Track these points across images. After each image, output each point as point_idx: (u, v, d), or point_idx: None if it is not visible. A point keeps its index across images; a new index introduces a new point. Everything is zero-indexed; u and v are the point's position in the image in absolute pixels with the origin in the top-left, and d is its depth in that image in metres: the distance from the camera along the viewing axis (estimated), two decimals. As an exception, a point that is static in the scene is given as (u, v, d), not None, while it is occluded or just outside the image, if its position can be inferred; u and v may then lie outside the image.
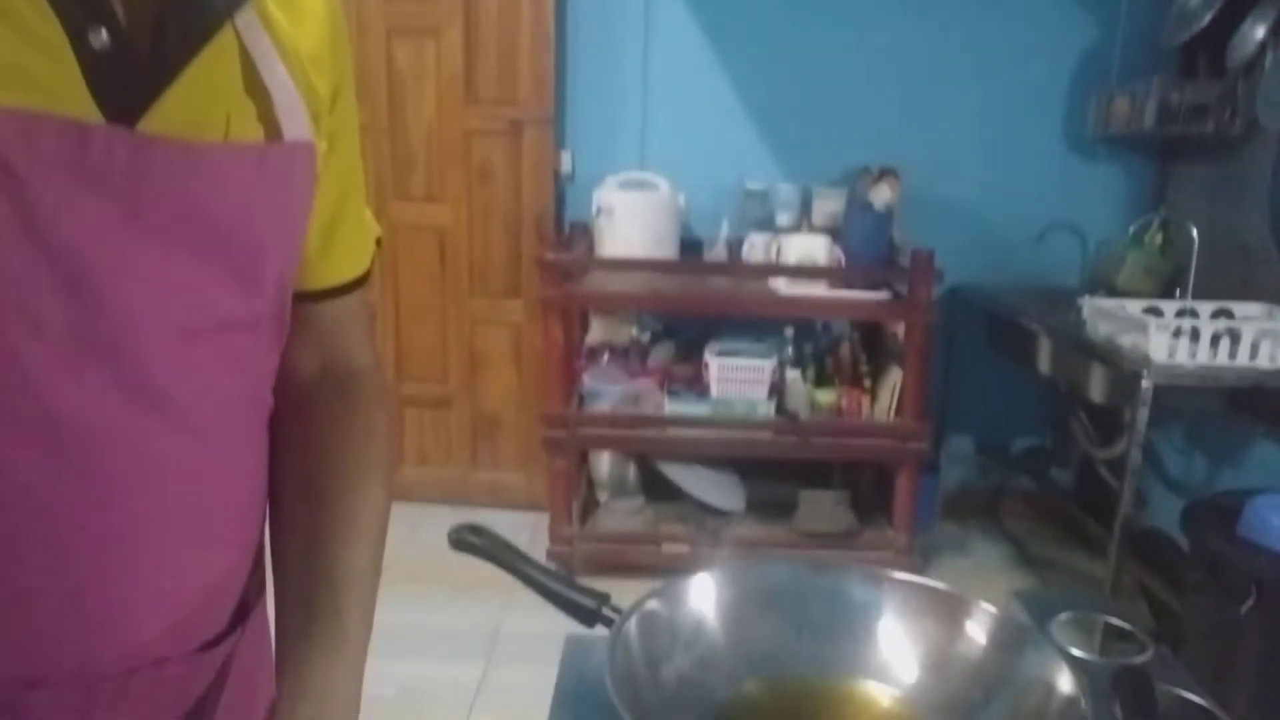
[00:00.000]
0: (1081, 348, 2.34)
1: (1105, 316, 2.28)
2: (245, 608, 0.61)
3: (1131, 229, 2.81)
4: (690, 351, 2.84)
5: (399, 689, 2.17)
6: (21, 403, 0.45)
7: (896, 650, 0.78)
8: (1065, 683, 0.66)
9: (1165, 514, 2.70)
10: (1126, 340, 2.18)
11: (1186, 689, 0.75)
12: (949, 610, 0.77)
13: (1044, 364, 2.57)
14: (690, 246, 2.90)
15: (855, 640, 0.79)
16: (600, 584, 2.50)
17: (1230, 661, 1.64)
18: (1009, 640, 0.73)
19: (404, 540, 2.89)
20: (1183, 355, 2.06)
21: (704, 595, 0.82)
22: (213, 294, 0.51)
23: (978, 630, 0.75)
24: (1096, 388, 2.31)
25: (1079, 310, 2.39)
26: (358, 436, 0.65)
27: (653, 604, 0.79)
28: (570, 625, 0.90)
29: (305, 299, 0.62)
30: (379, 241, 0.70)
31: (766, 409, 2.62)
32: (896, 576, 0.82)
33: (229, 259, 0.51)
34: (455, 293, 3.08)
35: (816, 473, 2.86)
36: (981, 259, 3.00)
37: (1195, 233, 2.46)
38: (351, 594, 0.59)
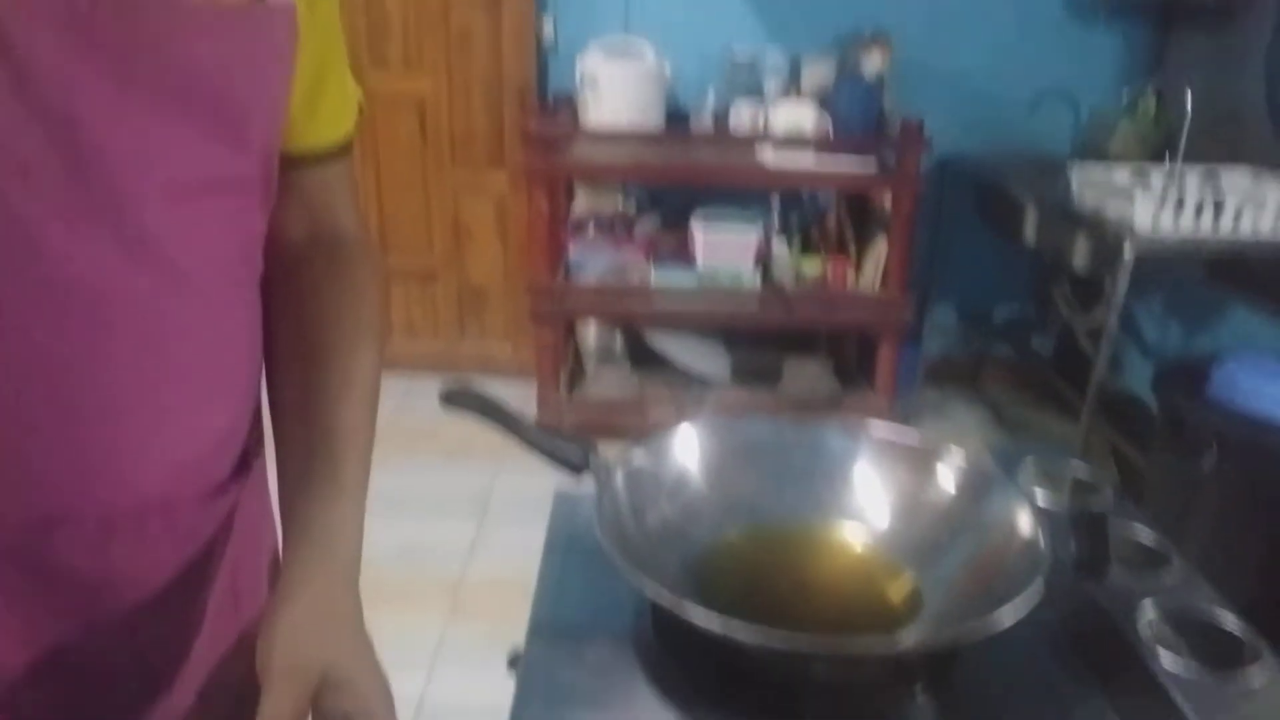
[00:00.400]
0: (1067, 217, 2.34)
1: (1092, 185, 2.28)
2: (247, 460, 0.64)
3: (1126, 96, 2.76)
4: (676, 222, 2.83)
5: (397, 549, 2.26)
6: (30, 268, 0.47)
7: (870, 498, 0.82)
8: (1025, 525, 0.71)
9: (1139, 381, 2.78)
10: (1112, 209, 2.19)
11: (1141, 529, 0.80)
12: (922, 459, 0.81)
13: (1030, 234, 2.58)
14: (676, 117, 2.84)
15: (832, 489, 0.84)
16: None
17: (1188, 514, 1.72)
18: (976, 487, 0.77)
19: (396, 409, 2.94)
20: (1167, 224, 2.08)
21: (688, 448, 0.86)
22: (201, 152, 0.52)
23: (948, 477, 0.79)
24: (1080, 257, 2.33)
25: (1067, 179, 2.39)
26: (347, 298, 0.66)
27: (639, 456, 0.83)
28: (560, 481, 0.94)
29: (292, 163, 0.63)
30: (361, 108, 0.70)
31: (752, 279, 2.64)
32: (873, 428, 0.85)
33: (215, 117, 0.52)
34: (437, 164, 3.03)
35: (801, 341, 2.91)
36: (972, 128, 2.95)
37: (1190, 99, 2.42)
38: (348, 446, 0.61)
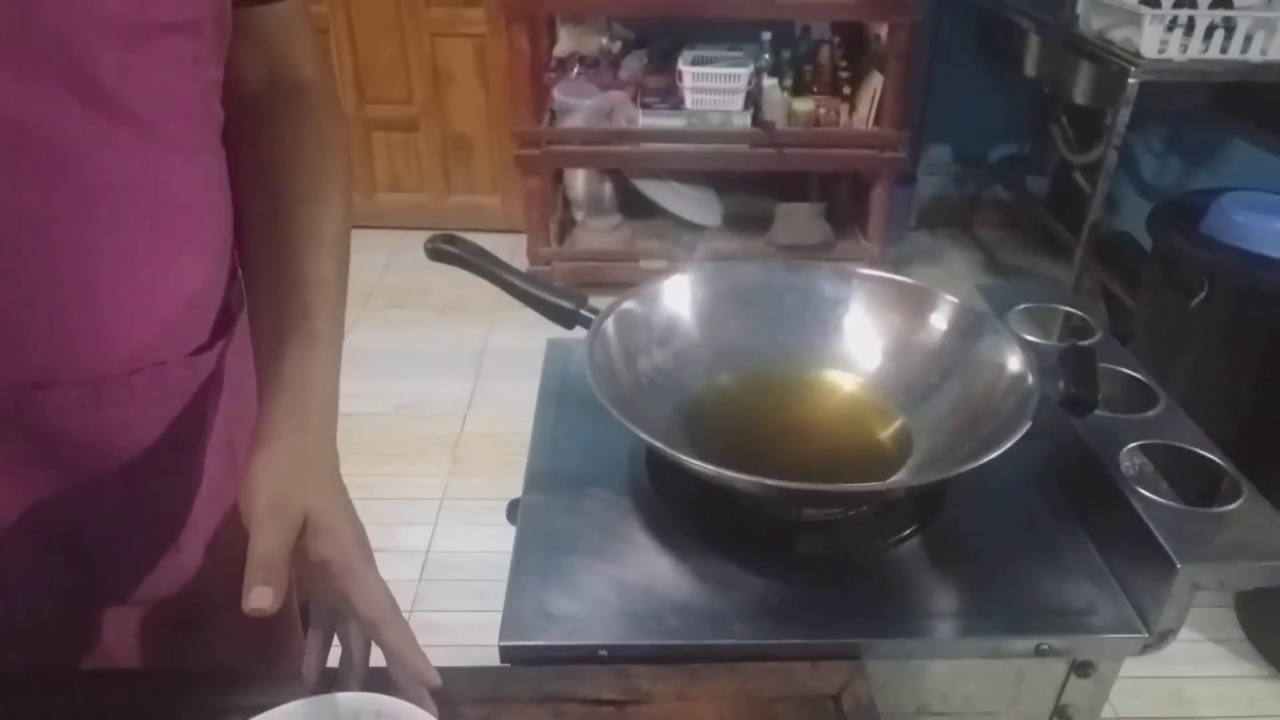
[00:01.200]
0: (1071, 44, 2.25)
1: (1099, 9, 2.17)
2: (230, 316, 0.64)
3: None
4: (663, 61, 2.71)
5: (395, 404, 2.29)
6: None
7: (861, 341, 0.82)
8: (1015, 361, 0.71)
9: (1135, 221, 2.74)
10: (1118, 34, 2.09)
11: (1128, 367, 0.80)
12: (912, 302, 0.81)
13: (1030, 65, 2.49)
14: (662, -58, 2.67)
15: (824, 333, 0.83)
16: (579, 297, 2.43)
17: (1176, 351, 1.74)
18: (966, 327, 0.77)
19: (384, 266, 2.92)
20: (1174, 49, 1.99)
21: (679, 295, 0.85)
22: None
23: (938, 319, 0.79)
24: (1081, 87, 2.26)
25: (1073, 4, 2.27)
26: (310, 146, 0.64)
27: (629, 304, 0.82)
28: (552, 336, 0.93)
29: (244, 2, 0.59)
30: None
31: (742, 120, 2.55)
32: (864, 272, 0.84)
33: None
34: (410, 2, 2.87)
35: (793, 185, 2.85)
36: (975, -51, 2.79)
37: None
38: (318, 295, 0.59)
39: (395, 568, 1.79)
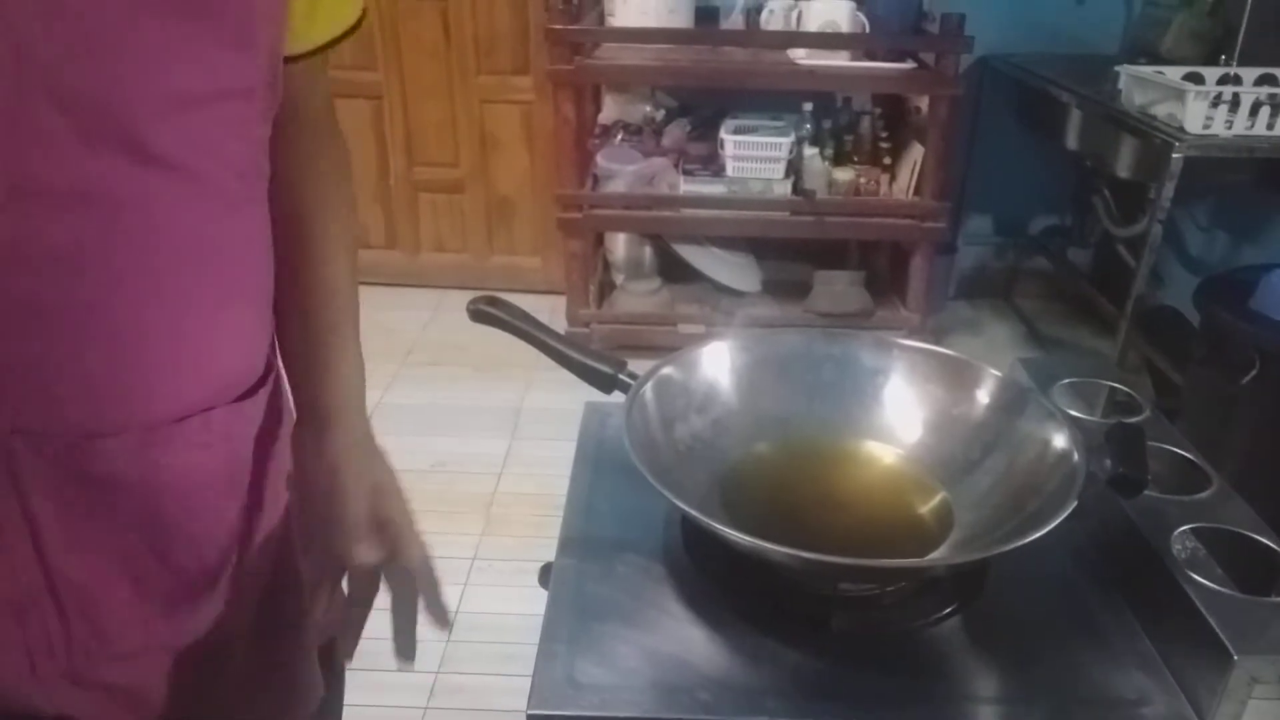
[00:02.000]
0: (1113, 119, 2.25)
1: (1142, 85, 2.18)
2: (270, 364, 0.67)
3: (1180, -10, 2.61)
4: (706, 129, 2.76)
5: (431, 462, 2.30)
6: (48, 176, 0.48)
7: (901, 413, 0.81)
8: (1060, 438, 0.69)
9: (1180, 295, 2.70)
10: (1162, 110, 2.09)
11: (1178, 446, 0.79)
12: (954, 374, 0.80)
13: (1072, 138, 2.49)
14: (706, 14, 2.74)
15: (863, 404, 0.83)
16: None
17: (1226, 430, 1.70)
18: (1010, 401, 0.76)
19: (425, 323, 2.96)
20: (1219, 125, 1.99)
21: (718, 362, 0.85)
22: (210, 60, 0.52)
23: (980, 392, 0.78)
24: (1125, 161, 2.25)
25: (1115, 79, 2.28)
26: (328, 172, 0.70)
27: (669, 370, 0.82)
28: (589, 398, 0.93)
29: (288, 61, 0.62)
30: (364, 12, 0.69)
31: (783, 188, 2.58)
32: (905, 343, 0.84)
33: (223, 24, 0.52)
34: (462, 70, 2.96)
35: (832, 253, 2.86)
36: (1015, 25, 2.82)
37: (1249, -7, 2.29)
38: (338, 300, 0.70)
39: (424, 627, 1.78)
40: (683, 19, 2.61)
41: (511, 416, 2.48)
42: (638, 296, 2.86)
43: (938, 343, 2.90)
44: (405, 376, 2.68)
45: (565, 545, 0.77)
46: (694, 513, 0.62)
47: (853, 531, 0.74)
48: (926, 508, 0.73)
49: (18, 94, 0.45)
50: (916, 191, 2.60)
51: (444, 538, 2.02)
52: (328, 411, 0.69)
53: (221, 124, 0.54)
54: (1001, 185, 3.06)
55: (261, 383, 0.65)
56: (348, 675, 1.74)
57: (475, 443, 2.38)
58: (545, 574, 0.80)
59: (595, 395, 0.84)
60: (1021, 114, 2.84)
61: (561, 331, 2.84)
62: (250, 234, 0.61)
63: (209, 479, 0.61)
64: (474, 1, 2.87)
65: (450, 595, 1.86)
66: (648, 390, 0.77)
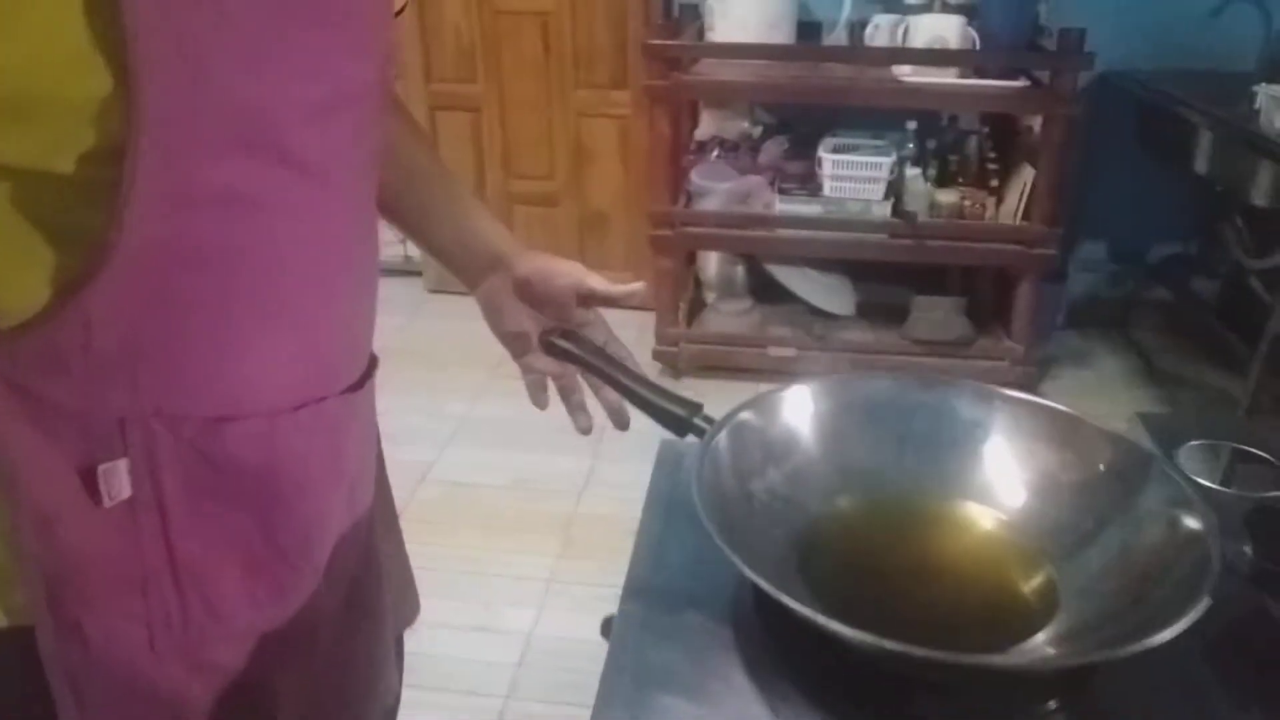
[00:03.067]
0: (1249, 142, 2.09)
1: (1282, 107, 2.01)
2: (373, 359, 0.71)
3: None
4: (804, 147, 2.68)
5: (512, 478, 2.29)
6: (208, 182, 0.50)
7: (1004, 472, 0.74)
8: (1191, 518, 0.61)
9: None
10: (1305, 134, 1.93)
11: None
12: (1065, 432, 0.72)
13: (1201, 161, 2.32)
14: (809, 30, 2.67)
15: (960, 460, 0.75)
16: (705, 386, 2.54)
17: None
18: (1130, 468, 0.67)
19: (514, 336, 2.96)
20: (1371, 152, 1.81)
21: (800, 407, 0.79)
22: (339, 69, 0.55)
23: (1095, 455, 0.69)
24: (1262, 188, 2.08)
25: (1252, 99, 2.12)
26: (422, 138, 0.81)
27: (746, 415, 0.76)
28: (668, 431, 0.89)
29: None
30: None
31: (882, 209, 2.49)
32: (1009, 394, 0.76)
33: (350, 35, 0.55)
34: (560, 84, 2.97)
35: (932, 277, 2.74)
36: (1141, 40, 2.66)
37: None
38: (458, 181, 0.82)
39: (495, 649, 1.77)
40: (784, 34, 2.54)
41: (596, 434, 2.44)
42: (728, 316, 2.79)
43: (1043, 376, 2.77)
44: (493, 388, 2.68)
45: (629, 594, 0.72)
46: (766, 585, 0.57)
47: (943, 606, 0.67)
48: (1029, 585, 0.66)
49: (193, 106, 0.47)
50: (1025, 216, 2.47)
51: (520, 557, 2.01)
52: (504, 247, 0.81)
53: (347, 128, 0.57)
54: (1119, 209, 2.89)
55: (368, 375, 0.68)
56: (418, 696, 1.74)
57: (558, 460, 2.36)
58: (607, 627, 0.75)
59: (676, 423, 0.80)
60: (1143, 134, 2.67)
61: (650, 349, 2.81)
62: (367, 228, 0.65)
63: (316, 465, 0.64)
64: (574, 15, 2.87)
65: (523, 617, 1.85)
66: (722, 438, 0.72)
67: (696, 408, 0.76)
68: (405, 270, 3.31)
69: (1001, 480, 0.73)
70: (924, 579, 0.70)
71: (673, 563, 0.76)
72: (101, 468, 0.53)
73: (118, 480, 0.54)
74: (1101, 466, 0.68)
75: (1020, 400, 0.75)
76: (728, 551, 0.59)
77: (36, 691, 0.56)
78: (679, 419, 0.76)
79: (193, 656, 0.60)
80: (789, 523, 0.72)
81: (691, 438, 0.75)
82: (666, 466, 0.90)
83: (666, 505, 0.84)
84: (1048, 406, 0.73)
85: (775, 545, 0.70)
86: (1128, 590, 0.60)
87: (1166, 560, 0.60)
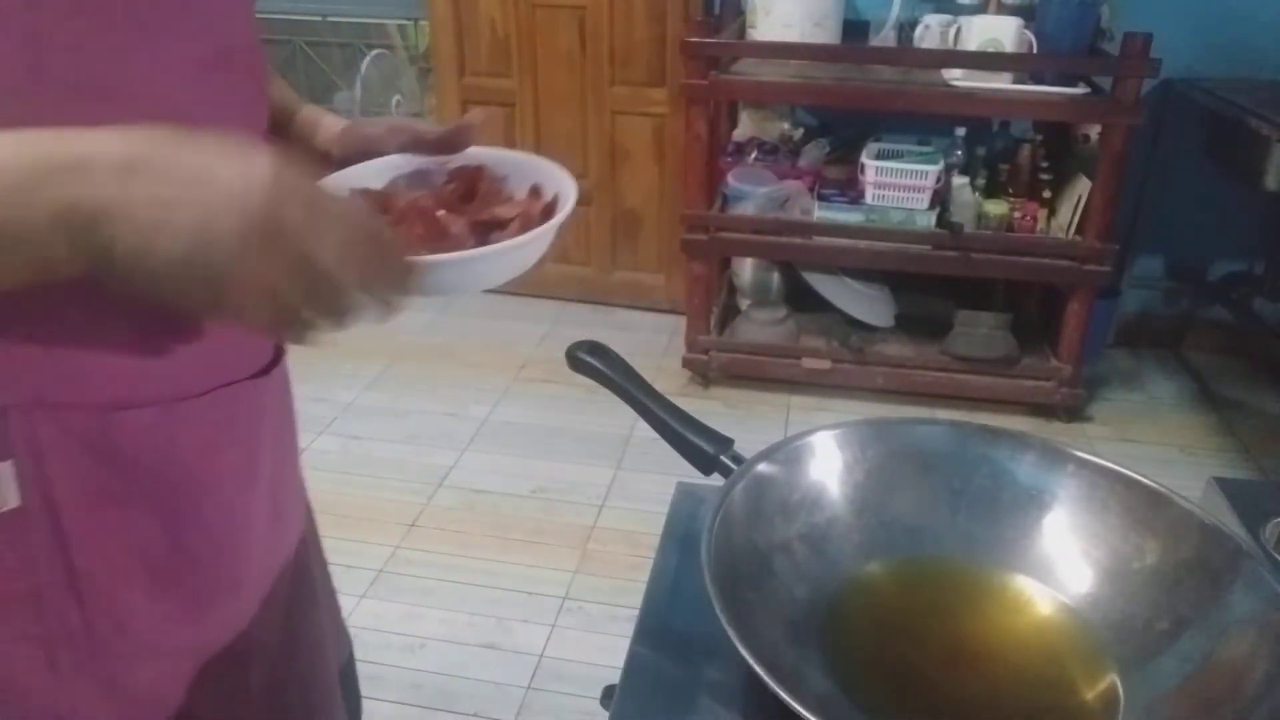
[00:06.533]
0: (1325, 160, 1.95)
1: (1364, 123, 1.88)
2: (281, 346, 0.67)
3: None
4: (846, 152, 2.57)
5: (532, 487, 2.22)
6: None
7: (1069, 549, 0.65)
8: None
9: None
10: (1389, 154, 1.79)
11: None
12: (1144, 509, 0.63)
13: (1272, 177, 2.18)
14: (855, 29, 2.56)
15: (1018, 528, 0.67)
16: (735, 396, 2.43)
17: None
18: (1215, 559, 0.58)
19: (541, 337, 2.89)
20: None
21: (840, 452, 0.71)
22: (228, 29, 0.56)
23: (1179, 540, 0.60)
24: (1337, 210, 1.94)
25: (1329, 114, 1.98)
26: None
27: (776, 461, 0.68)
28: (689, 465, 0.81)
29: None
30: None
31: (927, 220, 2.37)
32: (1084, 457, 0.67)
33: None
34: (595, 80, 2.89)
35: (976, 291, 2.62)
36: (1210, 45, 2.52)
37: None
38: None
39: (506, 669, 1.70)
40: (829, 34, 2.44)
41: (619, 444, 2.38)
42: (761, 325, 2.70)
43: (1090, 397, 2.63)
44: (515, 392, 2.62)
45: (640, 635, 0.66)
46: (768, 678, 0.49)
47: (981, 701, 0.58)
48: (1091, 691, 0.57)
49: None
50: (1079, 230, 2.34)
51: (535, 571, 1.94)
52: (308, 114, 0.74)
53: (238, 88, 0.56)
54: (1178, 224, 2.74)
55: (275, 361, 0.64)
56: (421, 715, 1.67)
57: (579, 470, 2.29)
58: (608, 698, 0.68)
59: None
60: (1210, 146, 2.53)
61: (680, 356, 2.69)
62: None
63: (226, 461, 0.60)
64: (612, 10, 2.79)
65: (535, 636, 1.78)
66: (738, 490, 0.64)
67: (726, 443, 0.69)
68: (434, 265, 3.25)
69: (1066, 557, 0.64)
70: (962, 665, 0.61)
71: (681, 627, 0.68)
72: None
73: (3, 486, 0.49)
74: (1184, 555, 0.59)
75: (1097, 465, 0.66)
76: (732, 635, 0.51)
77: None
78: (706, 455, 0.69)
79: (102, 678, 0.56)
80: (814, 584, 0.64)
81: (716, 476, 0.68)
82: (683, 508, 0.83)
83: (681, 549, 0.76)
84: (1128, 476, 0.64)
85: (796, 606, 0.62)
86: (1205, 713, 0.51)
87: (1253, 679, 0.51)
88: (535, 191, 0.59)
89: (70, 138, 0.40)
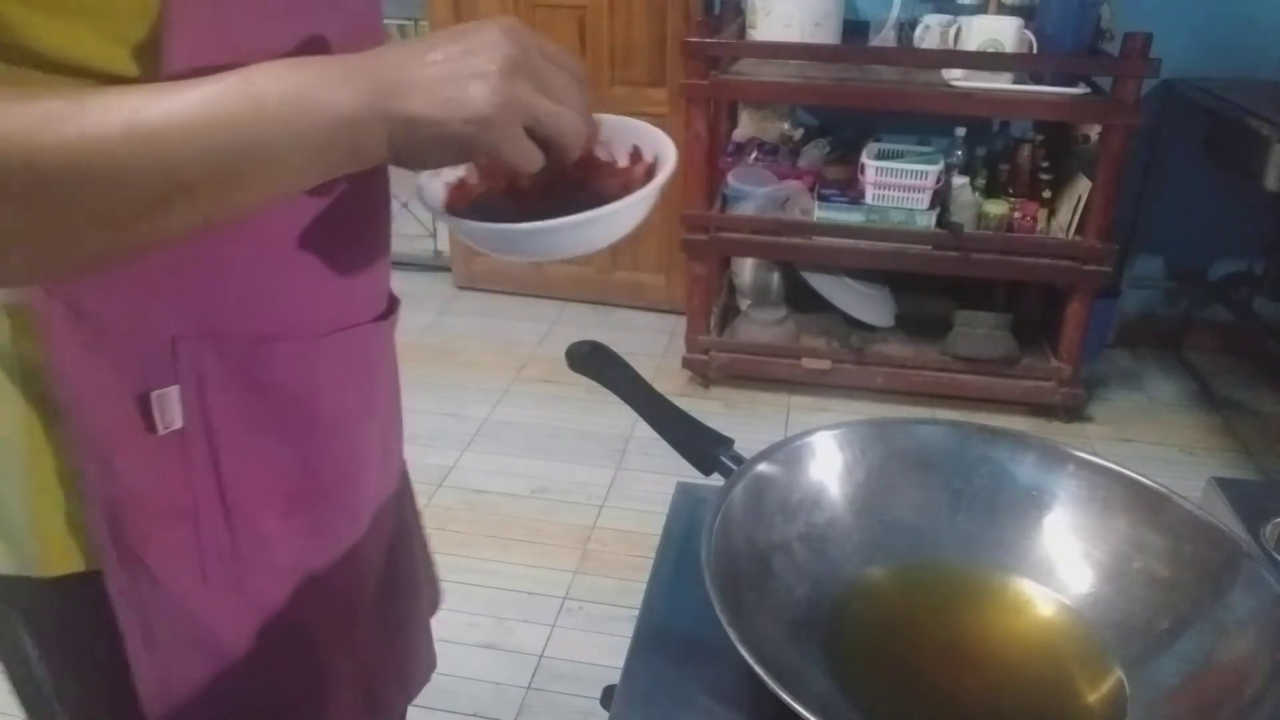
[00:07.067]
0: (1325, 161, 1.95)
1: (1365, 123, 1.88)
2: (393, 296, 0.71)
3: None
4: (846, 152, 2.58)
5: (532, 487, 2.22)
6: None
7: (1070, 549, 0.65)
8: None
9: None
10: (1389, 154, 1.79)
11: None
12: (1146, 510, 0.63)
13: (1272, 177, 2.18)
14: (855, 29, 2.56)
15: (1019, 529, 0.67)
16: (735, 396, 2.43)
17: None
18: (1217, 560, 0.58)
19: (542, 336, 2.89)
20: None
21: (840, 454, 0.70)
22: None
23: (1179, 541, 0.60)
24: (1337, 210, 1.94)
25: (1330, 114, 1.98)
26: None
27: (776, 462, 0.68)
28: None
29: None
30: None
31: (927, 219, 2.37)
32: (1085, 458, 0.67)
33: None
34: (595, 80, 2.88)
35: (976, 291, 2.62)
36: (1210, 45, 2.52)
37: None
38: None
39: (505, 669, 1.69)
40: (829, 34, 2.44)
41: (620, 444, 2.38)
42: (762, 325, 2.70)
43: (1090, 397, 2.63)
44: (516, 392, 2.62)
45: (637, 646, 0.65)
46: (769, 679, 0.49)
47: (982, 702, 0.58)
48: (1094, 693, 0.57)
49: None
50: (1079, 230, 2.34)
51: (535, 571, 1.94)
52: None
53: None
54: (1178, 224, 2.74)
55: (391, 309, 0.69)
56: (420, 714, 1.66)
57: (579, 470, 2.29)
58: (607, 698, 0.68)
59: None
60: (1210, 146, 2.53)
61: (680, 356, 2.69)
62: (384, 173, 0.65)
63: (351, 396, 0.65)
64: (612, 10, 2.79)
65: (535, 636, 1.78)
66: (737, 491, 0.64)
67: (726, 443, 0.69)
68: (434, 265, 3.25)
69: (1066, 557, 0.64)
70: (963, 665, 0.61)
71: (685, 614, 0.68)
72: (155, 394, 0.53)
73: (170, 408, 0.54)
74: (1187, 554, 0.59)
75: (1097, 465, 0.65)
76: (732, 635, 0.51)
77: (105, 634, 0.56)
78: (705, 455, 0.69)
79: (245, 591, 0.61)
80: (814, 581, 0.64)
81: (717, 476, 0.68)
82: (683, 511, 0.82)
83: (680, 550, 0.76)
84: (1128, 477, 0.64)
85: (796, 606, 0.62)
86: (1207, 706, 0.51)
87: (1255, 679, 0.51)
88: (635, 154, 0.60)
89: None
